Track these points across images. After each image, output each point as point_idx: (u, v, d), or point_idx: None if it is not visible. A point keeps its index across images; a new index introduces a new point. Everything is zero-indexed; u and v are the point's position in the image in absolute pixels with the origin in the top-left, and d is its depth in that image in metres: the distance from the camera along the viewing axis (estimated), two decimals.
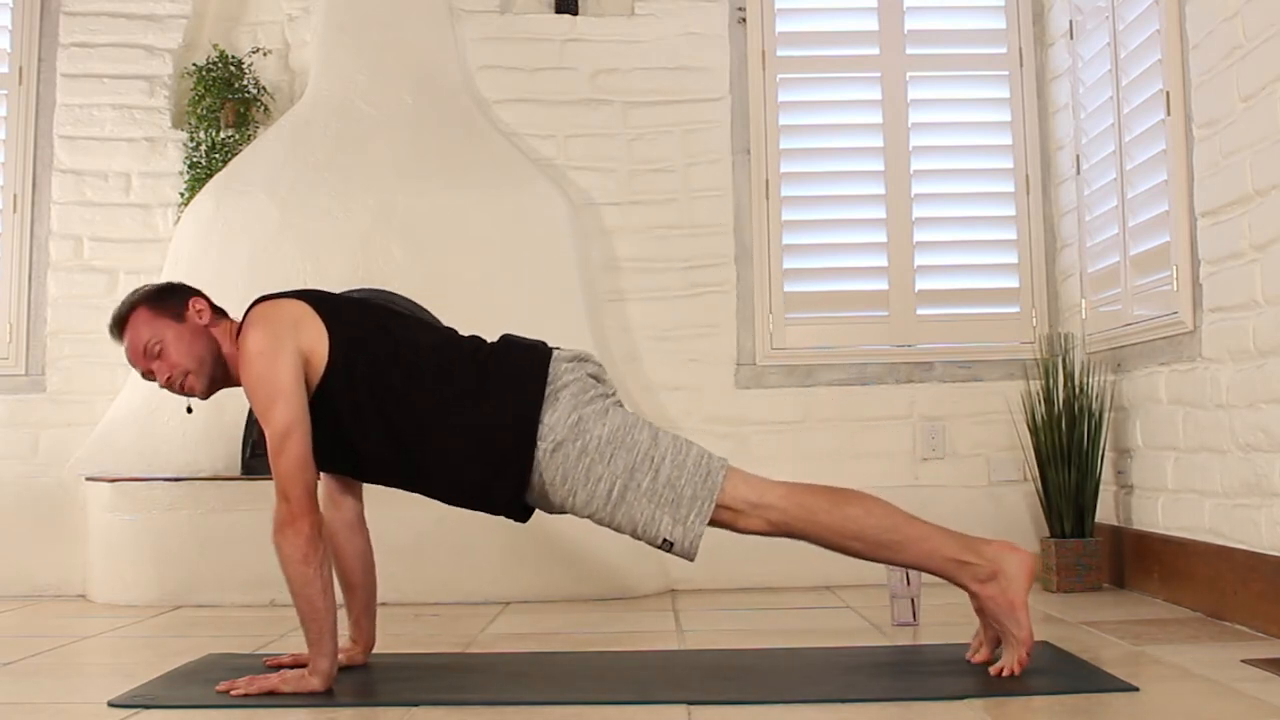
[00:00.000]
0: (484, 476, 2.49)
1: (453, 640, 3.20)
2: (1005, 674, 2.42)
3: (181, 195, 4.46)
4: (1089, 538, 3.87)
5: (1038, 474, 4.01)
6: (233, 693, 2.39)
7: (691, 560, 2.48)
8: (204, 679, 2.58)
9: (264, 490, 3.93)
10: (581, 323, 4.31)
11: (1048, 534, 3.98)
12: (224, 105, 4.50)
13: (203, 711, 2.34)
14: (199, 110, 4.49)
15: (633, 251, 4.49)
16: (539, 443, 2.44)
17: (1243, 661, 2.60)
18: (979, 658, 2.56)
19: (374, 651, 2.78)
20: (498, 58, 4.57)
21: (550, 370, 2.51)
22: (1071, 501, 3.88)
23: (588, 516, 2.50)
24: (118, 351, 4.42)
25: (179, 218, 4.42)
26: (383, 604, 2.84)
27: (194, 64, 4.54)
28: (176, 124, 4.56)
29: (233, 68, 4.53)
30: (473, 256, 4.30)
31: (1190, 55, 3.33)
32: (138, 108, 4.54)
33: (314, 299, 2.59)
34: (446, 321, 4.20)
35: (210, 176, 4.38)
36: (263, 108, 4.60)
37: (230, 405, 4.16)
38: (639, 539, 2.48)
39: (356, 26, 4.51)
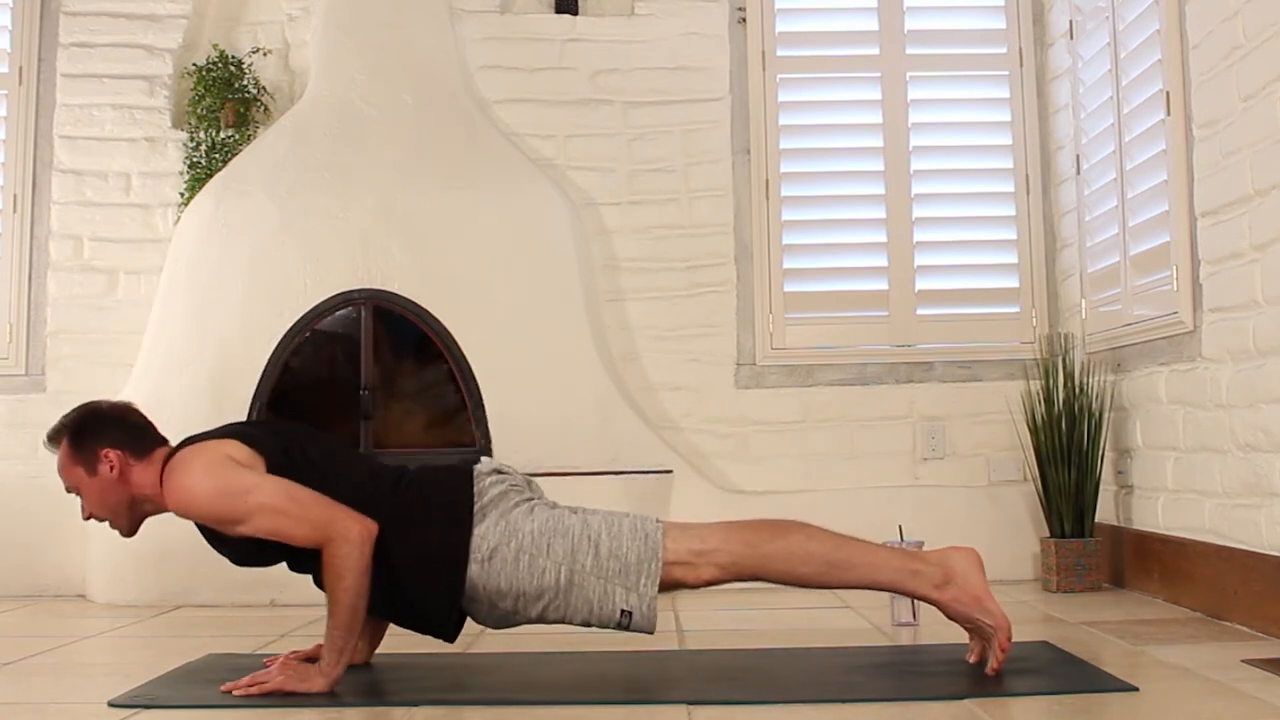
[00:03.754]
0: (417, 601, 2.48)
1: None
2: (996, 669, 2.42)
3: (181, 195, 4.46)
4: (1089, 538, 3.87)
5: (1038, 474, 4.01)
6: (235, 692, 2.39)
7: (651, 632, 2.45)
8: (204, 679, 2.58)
9: None
10: (581, 323, 4.32)
11: (1048, 534, 3.98)
12: (224, 105, 4.50)
13: (203, 711, 2.34)
14: (199, 110, 4.50)
15: (633, 251, 4.49)
16: (472, 556, 2.42)
17: (1243, 661, 2.60)
18: (975, 659, 2.56)
19: (375, 651, 2.77)
20: (498, 58, 4.57)
21: (475, 487, 2.49)
22: (1071, 501, 3.88)
23: (540, 614, 2.46)
24: (118, 351, 4.50)
25: (179, 218, 4.42)
26: None
27: (194, 64, 4.54)
28: (176, 124, 4.56)
29: (233, 68, 4.53)
30: (473, 256, 4.31)
31: (1190, 55, 3.33)
32: (138, 108, 4.54)
33: (236, 433, 2.57)
34: (448, 322, 4.24)
35: (210, 176, 4.38)
36: (263, 108, 4.60)
37: (229, 405, 4.18)
38: (595, 624, 2.45)
39: (356, 26, 4.51)
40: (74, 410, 2.62)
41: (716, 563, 2.43)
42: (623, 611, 2.42)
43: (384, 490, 2.52)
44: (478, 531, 2.44)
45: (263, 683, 2.40)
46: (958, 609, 2.46)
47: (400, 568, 2.45)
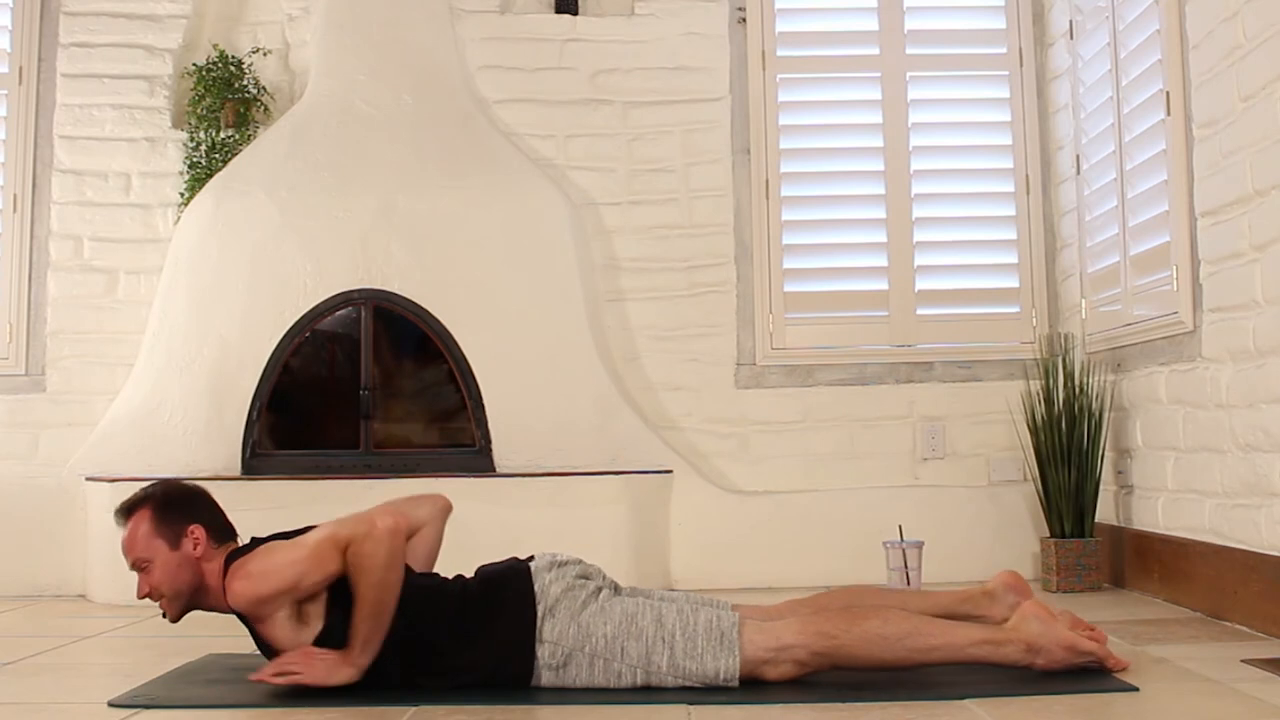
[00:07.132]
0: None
1: None
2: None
3: (181, 195, 4.46)
4: (1089, 538, 3.87)
5: (1038, 474, 4.01)
6: (266, 680, 2.38)
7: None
8: (204, 679, 2.58)
9: (264, 490, 3.94)
10: (581, 323, 4.31)
11: (1048, 534, 3.98)
12: (224, 105, 4.50)
13: (203, 711, 2.35)
14: (199, 110, 4.50)
15: (633, 251, 4.49)
16: (546, 663, 2.42)
17: (1243, 661, 2.60)
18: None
19: None
20: (498, 58, 4.57)
21: (535, 585, 2.48)
22: (1071, 501, 3.88)
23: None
24: (118, 351, 4.49)
25: (179, 218, 4.42)
26: None
27: (194, 64, 4.54)
28: (176, 124, 4.56)
29: (233, 68, 4.53)
30: (473, 256, 4.31)
31: (1190, 55, 3.33)
32: (138, 108, 4.54)
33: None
34: (448, 322, 4.24)
35: (210, 176, 4.38)
36: (263, 108, 4.60)
37: (230, 404, 4.18)
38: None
39: (356, 26, 4.51)
40: (156, 483, 2.56)
41: (796, 659, 2.42)
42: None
43: (451, 596, 2.51)
44: (549, 635, 2.43)
45: (291, 674, 2.39)
46: (1059, 668, 2.45)
47: (468, 671, 2.45)
